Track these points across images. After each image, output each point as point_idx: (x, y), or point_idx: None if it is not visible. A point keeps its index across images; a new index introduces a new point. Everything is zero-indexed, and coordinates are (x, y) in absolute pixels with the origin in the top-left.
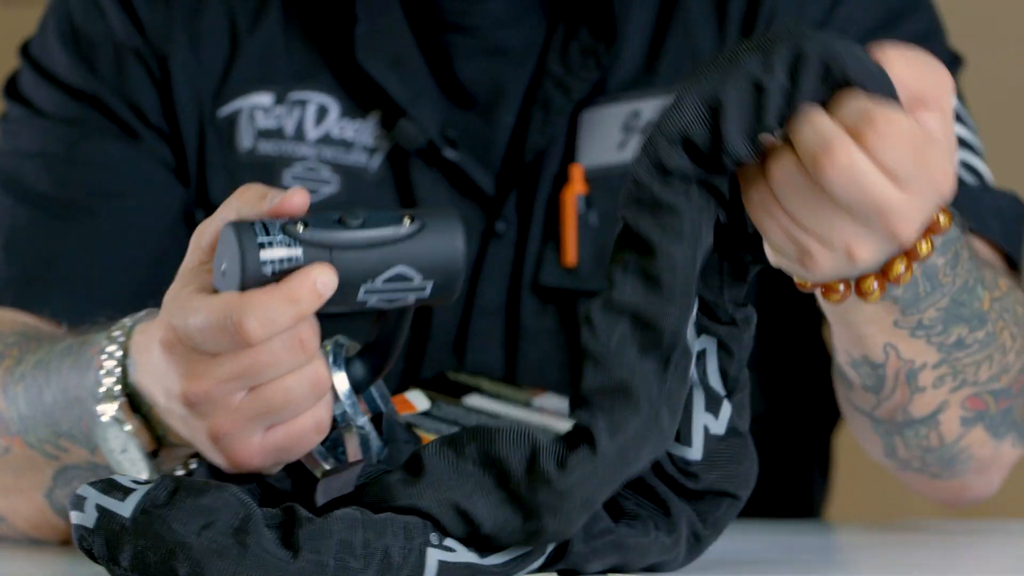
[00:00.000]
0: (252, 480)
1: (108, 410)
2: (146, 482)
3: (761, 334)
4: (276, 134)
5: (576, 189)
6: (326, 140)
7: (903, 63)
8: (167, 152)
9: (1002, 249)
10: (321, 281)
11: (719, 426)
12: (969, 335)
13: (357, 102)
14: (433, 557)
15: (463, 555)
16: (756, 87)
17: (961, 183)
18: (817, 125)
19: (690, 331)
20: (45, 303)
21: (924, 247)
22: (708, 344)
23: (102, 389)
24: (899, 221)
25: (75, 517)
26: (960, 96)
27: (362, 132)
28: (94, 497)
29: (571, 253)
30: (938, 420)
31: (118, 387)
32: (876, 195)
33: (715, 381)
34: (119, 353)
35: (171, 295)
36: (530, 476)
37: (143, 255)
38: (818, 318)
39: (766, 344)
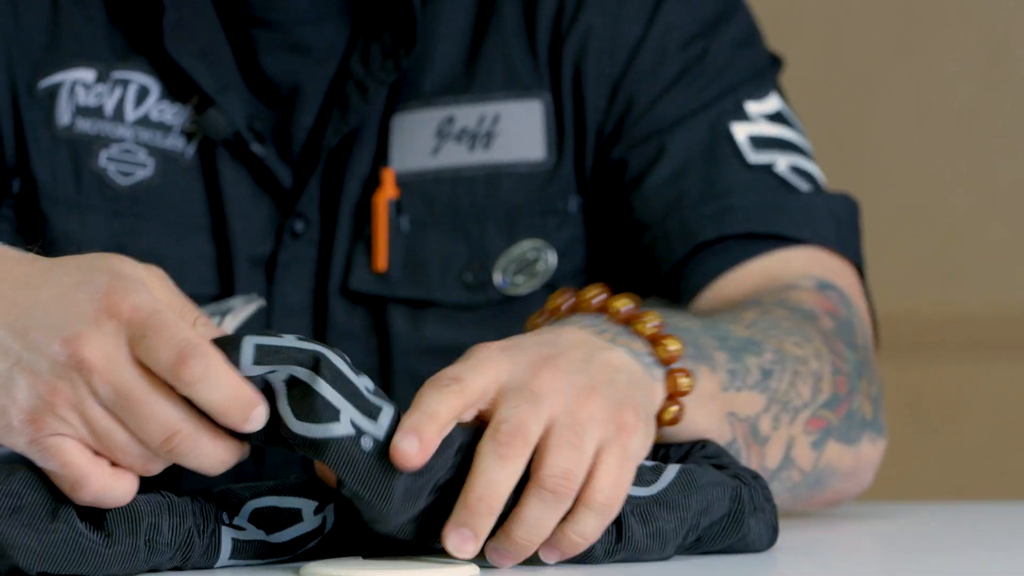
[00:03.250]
0: None
1: None
2: None
3: None
4: (95, 112)
5: (387, 193)
6: (144, 122)
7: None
8: None
9: (842, 253)
10: (254, 417)
11: None
12: (760, 360)
13: (177, 85)
14: (227, 536)
15: (253, 533)
16: None
17: (794, 189)
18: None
19: None
20: None
21: (671, 412)
22: None
23: None
24: None
25: None
26: (784, 97)
27: (180, 116)
28: None
29: (382, 258)
30: (792, 459)
31: None
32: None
33: None
34: None
35: (159, 286)
36: None
37: None
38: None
39: None
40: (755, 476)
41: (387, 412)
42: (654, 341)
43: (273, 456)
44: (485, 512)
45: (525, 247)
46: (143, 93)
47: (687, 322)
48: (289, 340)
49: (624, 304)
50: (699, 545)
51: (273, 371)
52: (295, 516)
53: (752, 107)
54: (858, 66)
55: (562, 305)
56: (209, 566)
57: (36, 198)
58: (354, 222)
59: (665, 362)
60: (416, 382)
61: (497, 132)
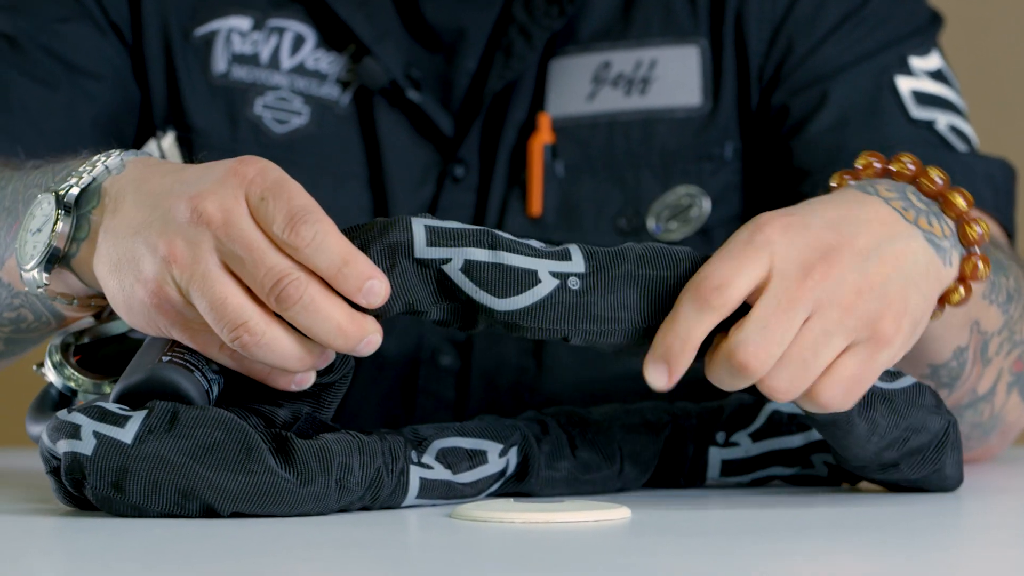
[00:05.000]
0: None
1: (52, 194)
2: (139, 409)
3: None
4: (251, 60)
5: (543, 138)
6: (300, 70)
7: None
8: (126, 54)
9: (996, 218)
10: (369, 288)
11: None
12: (1008, 283)
13: (333, 34)
14: (415, 475)
15: (440, 473)
16: None
17: (952, 150)
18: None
19: None
20: None
21: (959, 294)
22: None
23: (65, 177)
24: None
25: (67, 445)
26: (943, 55)
27: (336, 65)
28: (90, 424)
29: (536, 203)
30: (995, 391)
31: (80, 179)
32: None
33: None
34: (109, 161)
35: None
36: None
37: (82, 145)
38: None
39: None
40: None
41: (573, 249)
42: (963, 220)
43: (424, 401)
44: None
45: (679, 193)
46: (299, 41)
47: None
48: (459, 224)
49: (939, 175)
50: (896, 472)
51: (448, 260)
52: (481, 457)
53: (916, 62)
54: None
55: (874, 164)
56: (396, 505)
57: (191, 145)
58: (510, 167)
59: (968, 244)
60: None
61: (654, 77)
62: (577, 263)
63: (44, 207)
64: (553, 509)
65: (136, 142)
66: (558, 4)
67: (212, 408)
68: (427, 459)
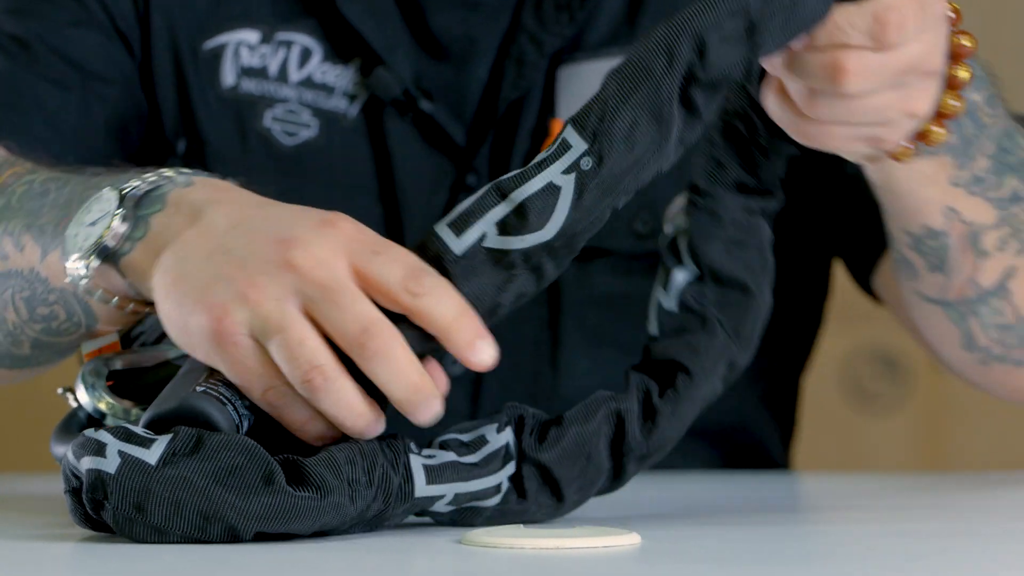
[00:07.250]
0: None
1: (115, 191)
2: (165, 433)
3: None
4: (259, 73)
5: None
6: (308, 83)
7: None
8: (134, 64)
9: None
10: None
11: (670, 301)
12: (1022, 186)
13: (340, 47)
14: (417, 463)
15: (443, 456)
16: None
17: None
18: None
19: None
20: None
21: (961, 72)
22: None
23: (129, 178)
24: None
25: (92, 462)
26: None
27: (343, 78)
28: (115, 444)
29: None
30: (1008, 289)
31: (145, 183)
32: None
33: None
34: (176, 176)
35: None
36: None
37: (96, 145)
38: (796, 258)
39: None
40: None
41: (567, 133)
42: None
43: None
44: None
45: None
46: (306, 55)
47: (994, 116)
48: (467, 202)
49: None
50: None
51: (483, 235)
52: (480, 440)
53: None
54: None
55: None
56: (408, 497)
57: (203, 158)
58: None
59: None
60: (585, 332)
61: None
62: (577, 145)
63: (103, 202)
64: (563, 535)
65: (141, 154)
66: (568, 11)
67: (236, 435)
68: (427, 451)
